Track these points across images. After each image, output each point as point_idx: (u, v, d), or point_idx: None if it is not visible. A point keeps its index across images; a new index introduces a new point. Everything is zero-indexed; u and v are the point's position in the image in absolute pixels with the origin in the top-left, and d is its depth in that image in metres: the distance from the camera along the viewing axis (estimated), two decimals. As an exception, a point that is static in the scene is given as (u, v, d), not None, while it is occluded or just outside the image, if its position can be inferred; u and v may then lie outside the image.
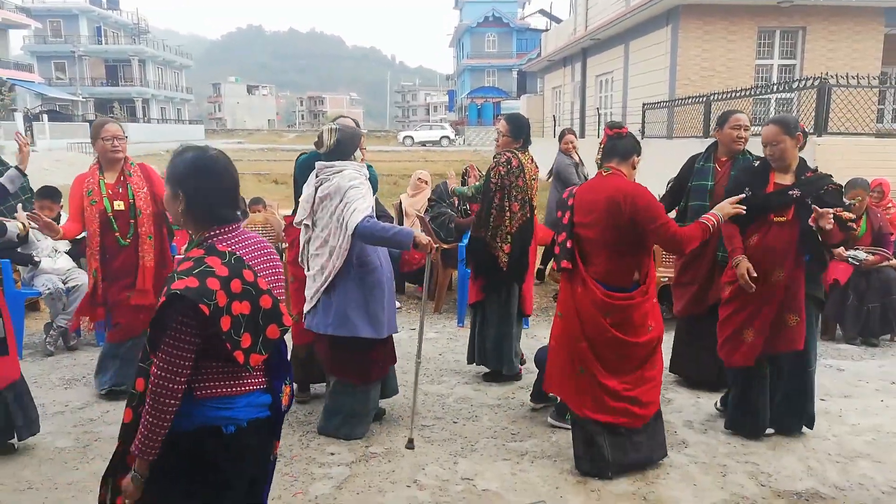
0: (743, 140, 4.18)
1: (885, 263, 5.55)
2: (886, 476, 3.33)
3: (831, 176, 3.55)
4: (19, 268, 5.38)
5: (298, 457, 3.49)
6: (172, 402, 1.83)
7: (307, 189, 3.62)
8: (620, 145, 3.31)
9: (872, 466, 3.43)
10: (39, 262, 5.23)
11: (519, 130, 4.45)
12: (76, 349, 5.21)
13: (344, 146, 3.55)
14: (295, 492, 3.15)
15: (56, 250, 5.39)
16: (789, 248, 3.51)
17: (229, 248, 1.92)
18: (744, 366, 3.64)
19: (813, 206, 3.38)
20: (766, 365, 3.67)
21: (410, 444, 3.58)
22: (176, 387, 1.83)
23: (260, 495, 2.15)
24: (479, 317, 4.57)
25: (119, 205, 4.14)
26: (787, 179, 3.57)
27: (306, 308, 3.66)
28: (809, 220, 3.38)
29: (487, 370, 4.67)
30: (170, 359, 1.82)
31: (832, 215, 3.28)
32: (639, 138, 3.51)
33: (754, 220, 3.54)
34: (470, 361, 4.73)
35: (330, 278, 3.54)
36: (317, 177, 3.57)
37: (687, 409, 4.12)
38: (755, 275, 3.48)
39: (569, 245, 3.30)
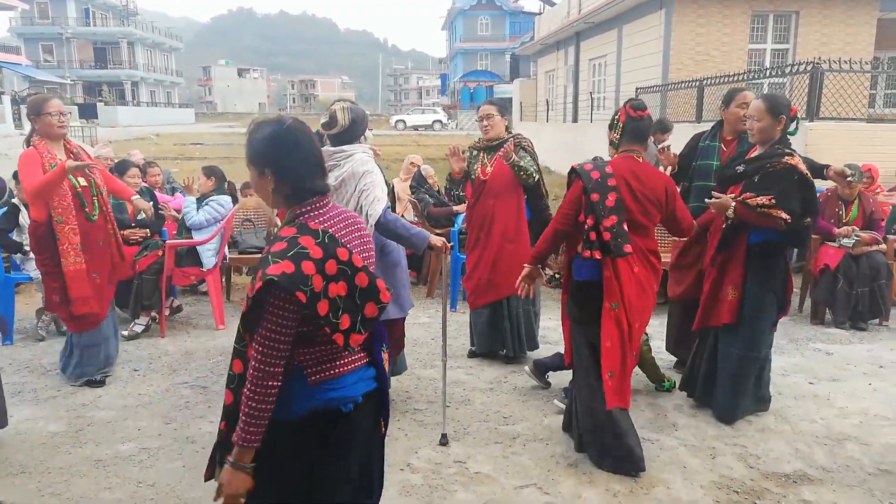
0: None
1: (875, 247, 5.59)
2: (873, 458, 3.38)
3: (786, 155, 3.44)
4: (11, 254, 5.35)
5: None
6: (273, 385, 1.76)
7: None
8: (643, 128, 3.27)
9: (859, 449, 3.47)
10: (29, 250, 5.19)
11: (504, 107, 4.66)
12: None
13: (357, 126, 3.47)
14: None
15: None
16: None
17: (322, 226, 1.84)
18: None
19: (713, 192, 3.60)
20: (710, 335, 3.85)
21: (444, 440, 3.48)
22: (275, 370, 1.76)
23: (371, 477, 2.00)
24: (535, 299, 4.59)
25: (82, 181, 4.07)
26: None
27: None
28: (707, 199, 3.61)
29: (512, 355, 4.64)
30: (268, 343, 1.75)
31: (732, 205, 3.45)
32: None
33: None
34: (527, 349, 4.65)
35: None
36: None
37: (677, 393, 4.14)
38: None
39: (625, 227, 3.11)
